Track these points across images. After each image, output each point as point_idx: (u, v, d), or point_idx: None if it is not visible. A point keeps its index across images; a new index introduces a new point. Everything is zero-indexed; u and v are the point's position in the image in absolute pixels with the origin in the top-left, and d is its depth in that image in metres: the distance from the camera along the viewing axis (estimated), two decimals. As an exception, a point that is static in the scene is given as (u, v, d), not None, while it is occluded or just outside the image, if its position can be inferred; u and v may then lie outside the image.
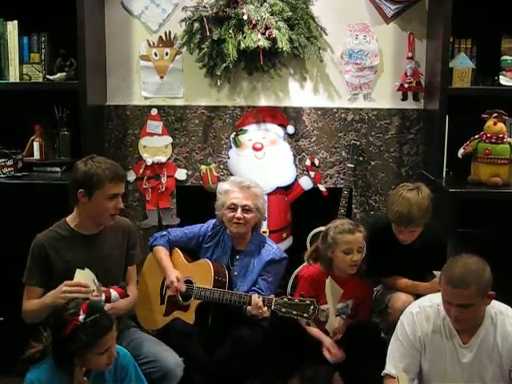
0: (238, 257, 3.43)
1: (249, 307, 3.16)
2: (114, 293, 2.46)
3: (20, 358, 2.39)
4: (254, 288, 3.33)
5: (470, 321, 2.52)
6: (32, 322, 2.74)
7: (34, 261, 2.85)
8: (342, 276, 3.27)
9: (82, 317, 2.29)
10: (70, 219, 2.93)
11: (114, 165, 2.89)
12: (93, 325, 2.29)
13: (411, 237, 3.21)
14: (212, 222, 3.53)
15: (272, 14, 3.69)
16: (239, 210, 3.36)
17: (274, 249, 3.46)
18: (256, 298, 3.12)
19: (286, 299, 3.06)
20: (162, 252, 3.45)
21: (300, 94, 4.00)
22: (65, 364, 2.33)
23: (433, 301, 2.67)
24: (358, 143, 3.93)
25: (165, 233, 3.53)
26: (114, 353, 2.40)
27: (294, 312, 3.01)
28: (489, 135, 3.44)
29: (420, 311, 2.66)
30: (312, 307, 2.98)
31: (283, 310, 3.04)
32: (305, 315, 2.99)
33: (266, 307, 3.10)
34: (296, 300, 3.02)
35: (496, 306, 2.59)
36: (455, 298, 2.45)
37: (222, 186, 3.51)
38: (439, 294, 2.59)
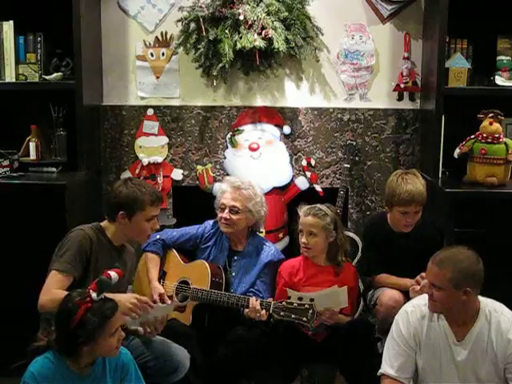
0: (235, 258, 3.43)
1: (246, 310, 3.15)
2: (113, 273, 2.46)
3: (26, 349, 2.43)
4: (251, 289, 3.33)
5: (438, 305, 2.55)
6: (49, 310, 2.68)
7: (80, 251, 2.77)
8: (318, 263, 3.31)
9: (94, 294, 2.35)
10: (107, 228, 2.92)
11: (152, 188, 2.99)
12: (100, 306, 2.35)
13: (415, 219, 3.25)
14: (210, 222, 3.52)
15: (268, 14, 3.68)
16: (226, 211, 3.36)
17: (272, 250, 3.45)
18: (254, 301, 3.11)
19: (284, 303, 3.03)
20: (151, 260, 3.43)
21: (296, 94, 4.01)
22: (73, 355, 2.36)
23: (427, 299, 2.68)
24: (354, 143, 3.94)
25: (158, 237, 3.49)
26: (123, 333, 2.45)
27: (293, 316, 2.99)
28: (485, 135, 3.44)
29: (414, 310, 2.67)
30: (311, 311, 2.96)
31: (281, 313, 3.02)
32: (303, 319, 2.96)
33: (263, 310, 3.08)
34: (295, 304, 3.00)
35: (490, 304, 2.60)
36: (431, 276, 2.53)
37: (220, 186, 3.52)
38: None
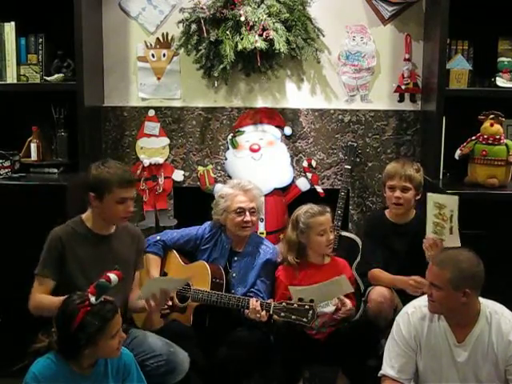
0: (236, 258, 3.43)
1: (247, 310, 3.15)
2: (112, 275, 2.46)
3: (27, 350, 2.44)
4: (252, 289, 3.34)
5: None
6: (40, 315, 2.75)
7: (50, 253, 2.86)
8: (317, 263, 3.33)
9: (93, 298, 2.36)
10: (86, 218, 2.97)
11: (123, 170, 2.97)
12: (100, 309, 2.36)
13: (405, 198, 3.31)
14: (209, 223, 3.53)
15: (269, 16, 3.69)
16: (247, 214, 3.37)
17: (271, 249, 3.47)
18: (254, 302, 3.11)
19: (284, 303, 3.04)
20: (151, 261, 3.44)
21: (297, 96, 4.01)
22: (74, 358, 2.38)
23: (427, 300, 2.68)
24: (355, 144, 3.94)
25: (158, 238, 3.51)
26: (124, 334, 2.47)
27: (293, 316, 2.99)
28: (485, 136, 3.45)
29: (415, 311, 2.68)
30: (311, 312, 2.96)
31: (282, 314, 3.03)
32: (304, 320, 2.97)
33: (264, 311, 3.08)
34: (295, 304, 3.00)
35: (491, 306, 2.61)
36: (431, 276, 2.56)
37: (224, 190, 3.51)
38: None
